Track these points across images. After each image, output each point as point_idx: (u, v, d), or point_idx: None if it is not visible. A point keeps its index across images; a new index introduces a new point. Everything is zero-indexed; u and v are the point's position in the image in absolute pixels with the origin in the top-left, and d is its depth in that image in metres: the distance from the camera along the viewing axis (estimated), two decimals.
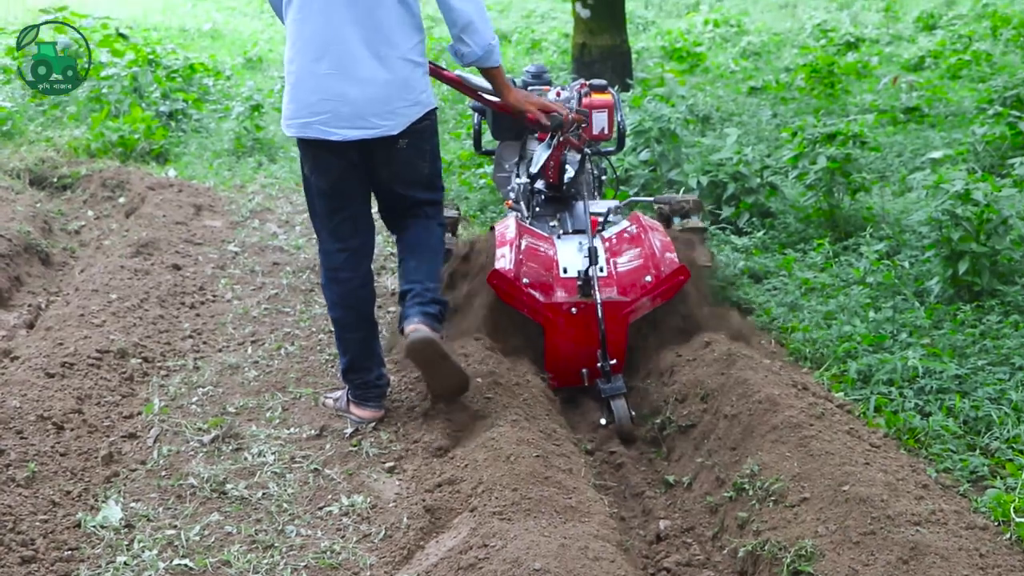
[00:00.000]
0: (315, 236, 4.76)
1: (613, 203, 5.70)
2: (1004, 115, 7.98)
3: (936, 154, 7.12)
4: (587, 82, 5.78)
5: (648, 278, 4.94)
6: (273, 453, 4.18)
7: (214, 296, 6.07)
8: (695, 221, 5.85)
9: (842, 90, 11.24)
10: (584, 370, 4.84)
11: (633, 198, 6.47)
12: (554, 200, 5.79)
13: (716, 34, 16.80)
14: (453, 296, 5.13)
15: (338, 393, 4.64)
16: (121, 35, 12.76)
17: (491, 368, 4.55)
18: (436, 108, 4.43)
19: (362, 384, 4.47)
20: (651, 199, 6.15)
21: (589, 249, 4.87)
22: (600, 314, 4.70)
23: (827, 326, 5.31)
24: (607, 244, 5.29)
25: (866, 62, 12.96)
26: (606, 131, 5.66)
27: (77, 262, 6.80)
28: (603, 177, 6.28)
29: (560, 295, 4.93)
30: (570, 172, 5.59)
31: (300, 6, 4.18)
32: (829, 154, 6.70)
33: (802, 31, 16.49)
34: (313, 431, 4.38)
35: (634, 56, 12.64)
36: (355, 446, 4.25)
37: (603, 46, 11.55)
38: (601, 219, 5.39)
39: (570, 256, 5.13)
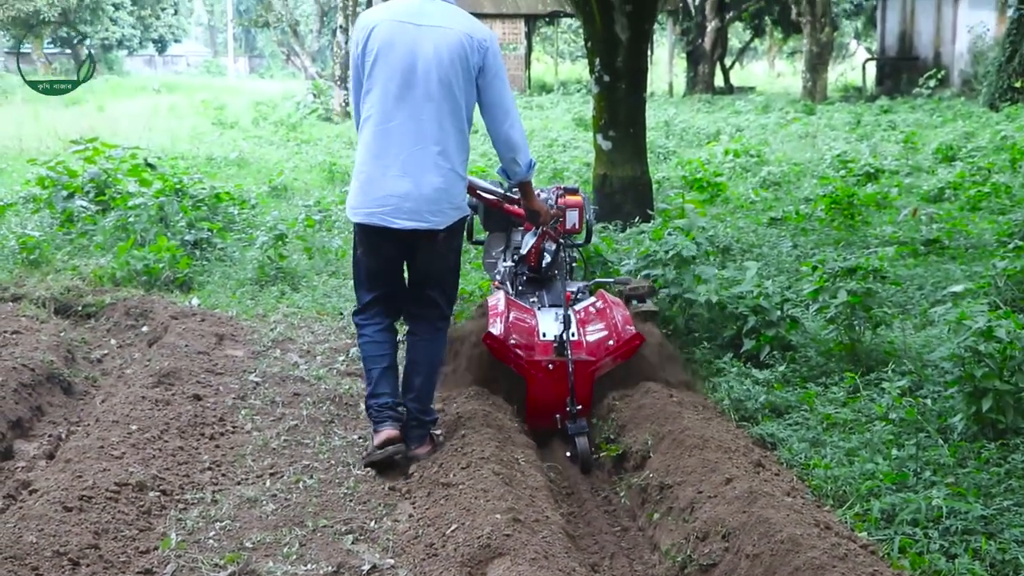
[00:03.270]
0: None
1: (582, 283, 7.12)
2: None
3: (957, 288, 7.09)
4: (561, 186, 7.09)
5: (610, 342, 6.16)
6: None
7: (234, 427, 6.05)
8: (648, 305, 7.05)
9: (862, 221, 11.29)
10: (557, 416, 5.95)
11: (598, 279, 7.56)
12: (534, 281, 7.15)
13: (736, 164, 16.89)
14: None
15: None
16: (149, 165, 12.99)
17: (510, 504, 4.52)
18: (468, 214, 5.65)
19: (378, 407, 5.48)
20: (612, 280, 7.45)
21: (564, 318, 6.02)
22: (571, 370, 5.86)
23: (849, 463, 5.24)
24: (578, 315, 6.47)
25: (886, 193, 12.99)
26: (577, 226, 6.85)
27: (99, 391, 6.83)
28: (573, 264, 7.46)
29: (539, 354, 6.07)
30: (547, 258, 6.95)
31: (379, 121, 5.26)
32: (849, 288, 6.72)
33: (822, 161, 16.62)
34: (330, 567, 4.34)
35: (655, 186, 12.75)
36: None
37: (624, 177, 11.65)
38: (573, 295, 6.69)
39: (548, 324, 6.32)
